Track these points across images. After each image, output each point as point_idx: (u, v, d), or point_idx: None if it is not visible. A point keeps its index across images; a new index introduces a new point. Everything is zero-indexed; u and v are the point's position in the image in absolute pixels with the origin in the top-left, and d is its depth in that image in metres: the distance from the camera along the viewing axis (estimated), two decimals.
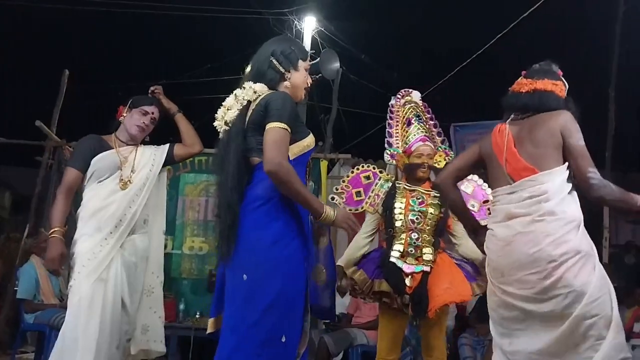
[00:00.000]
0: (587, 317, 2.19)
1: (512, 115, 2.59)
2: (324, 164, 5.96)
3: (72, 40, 9.36)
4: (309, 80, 2.51)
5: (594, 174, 2.32)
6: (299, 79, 2.44)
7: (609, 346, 2.17)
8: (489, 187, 2.63)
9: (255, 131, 2.28)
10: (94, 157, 3.03)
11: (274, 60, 2.40)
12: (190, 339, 5.09)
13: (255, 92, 2.33)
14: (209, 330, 2.43)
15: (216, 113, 2.45)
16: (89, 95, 8.81)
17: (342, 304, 5.51)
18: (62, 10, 8.17)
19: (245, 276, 2.17)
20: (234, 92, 2.41)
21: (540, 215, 2.29)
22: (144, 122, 3.14)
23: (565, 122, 2.39)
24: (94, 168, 3.03)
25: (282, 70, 2.40)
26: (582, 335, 2.19)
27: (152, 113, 3.17)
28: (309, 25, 10.15)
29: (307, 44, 10.07)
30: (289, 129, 2.21)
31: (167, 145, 3.27)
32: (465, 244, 3.30)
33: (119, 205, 2.99)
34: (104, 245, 2.92)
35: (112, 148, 3.09)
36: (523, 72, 2.67)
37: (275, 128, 2.18)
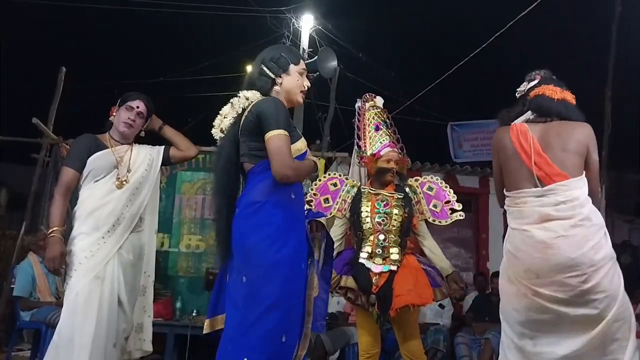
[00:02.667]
0: (617, 321, 2.32)
1: (529, 116, 2.63)
2: (321, 163, 5.97)
3: (69, 38, 9.35)
4: (306, 83, 2.53)
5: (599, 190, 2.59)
6: (291, 82, 2.46)
7: (631, 347, 2.33)
8: (505, 183, 2.60)
9: (247, 137, 2.34)
10: (90, 156, 3.04)
11: (264, 67, 2.45)
12: (187, 337, 5.09)
13: (247, 99, 2.39)
14: (205, 331, 2.46)
15: (213, 110, 2.49)
16: (86, 92, 8.80)
17: (338, 302, 5.51)
18: (60, 7, 8.16)
19: (244, 278, 2.21)
20: (231, 100, 2.44)
21: (581, 220, 2.38)
22: (129, 118, 3.13)
23: (592, 137, 2.55)
24: (90, 167, 3.03)
25: (273, 76, 2.44)
26: (611, 338, 2.31)
27: (137, 107, 3.16)
28: (306, 24, 10.16)
29: (304, 42, 10.08)
30: (287, 134, 2.26)
31: (163, 147, 3.28)
32: (434, 250, 3.45)
33: (116, 204, 3.00)
34: (100, 245, 2.93)
35: (108, 147, 3.09)
36: (538, 76, 2.73)
37: (276, 135, 2.23)
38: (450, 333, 5.50)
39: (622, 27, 6.35)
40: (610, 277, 2.34)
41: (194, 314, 5.41)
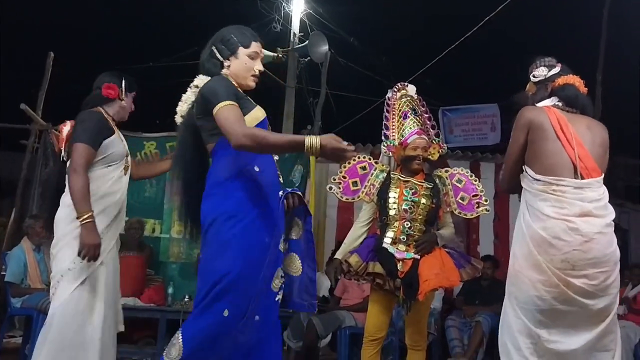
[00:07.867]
0: (614, 315, 2.50)
1: (555, 103, 2.62)
2: None
3: (57, 23, 9.24)
4: (257, 67, 2.42)
5: None
6: (238, 67, 2.38)
7: (618, 339, 2.51)
8: (529, 163, 2.56)
9: (202, 120, 2.30)
10: (104, 138, 2.94)
11: (214, 49, 2.40)
12: (179, 323, 5.09)
13: (197, 87, 2.36)
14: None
15: None
16: (74, 78, 8.72)
17: (330, 286, 5.54)
18: None
19: (200, 255, 2.26)
20: (189, 85, 2.42)
21: (611, 220, 2.50)
22: (132, 109, 3.16)
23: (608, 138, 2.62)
24: (107, 152, 2.94)
25: (221, 59, 2.38)
26: (610, 330, 2.47)
27: (134, 97, 3.19)
28: (297, 8, 10.08)
29: (295, 26, 10.01)
30: (233, 103, 2.20)
31: None
32: (445, 229, 3.50)
33: (122, 192, 3.01)
34: (105, 233, 2.88)
35: (115, 131, 3.02)
36: (559, 64, 2.70)
37: (220, 109, 2.18)
38: (440, 316, 5.54)
39: (613, 11, 6.35)
40: (616, 276, 2.48)
41: (185, 299, 5.41)
